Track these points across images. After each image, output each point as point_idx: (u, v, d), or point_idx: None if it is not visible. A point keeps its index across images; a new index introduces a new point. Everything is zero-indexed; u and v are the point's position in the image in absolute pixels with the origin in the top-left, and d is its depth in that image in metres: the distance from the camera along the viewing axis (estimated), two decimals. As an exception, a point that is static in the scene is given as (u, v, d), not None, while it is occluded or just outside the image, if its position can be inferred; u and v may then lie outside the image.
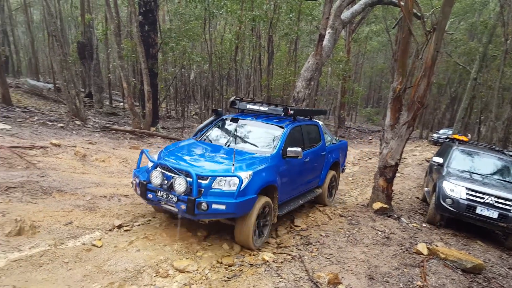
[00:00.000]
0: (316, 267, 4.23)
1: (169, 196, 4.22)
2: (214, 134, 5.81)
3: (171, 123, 17.45)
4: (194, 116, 21.87)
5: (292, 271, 4.07)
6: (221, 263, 4.25)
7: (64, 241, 4.24)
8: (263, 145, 5.33)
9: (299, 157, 5.16)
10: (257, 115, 6.14)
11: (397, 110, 6.46)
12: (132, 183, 4.76)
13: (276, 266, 4.15)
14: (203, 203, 4.03)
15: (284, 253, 4.58)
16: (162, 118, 17.36)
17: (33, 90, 17.59)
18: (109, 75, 22.31)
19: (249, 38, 17.70)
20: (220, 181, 4.22)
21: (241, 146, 5.28)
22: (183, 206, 4.08)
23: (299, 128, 5.97)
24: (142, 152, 4.95)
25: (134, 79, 17.27)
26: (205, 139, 5.76)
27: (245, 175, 4.32)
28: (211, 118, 6.19)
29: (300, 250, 4.71)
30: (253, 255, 4.49)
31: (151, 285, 3.62)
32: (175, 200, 4.17)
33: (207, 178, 4.22)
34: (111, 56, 21.80)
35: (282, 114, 5.61)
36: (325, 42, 9.53)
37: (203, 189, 4.17)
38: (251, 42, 18.15)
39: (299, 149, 5.10)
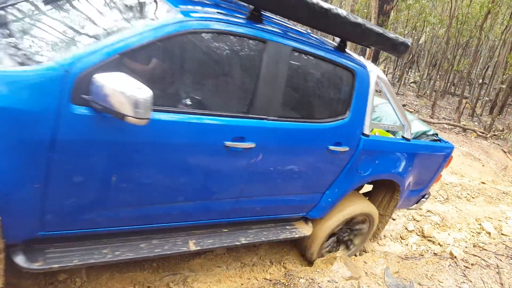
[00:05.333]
0: (516, 285, 3.58)
1: None
2: None
3: (385, 86, 16.70)
4: (411, 84, 20.30)
5: (483, 278, 3.58)
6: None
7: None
8: None
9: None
10: None
11: None
12: None
13: (464, 266, 3.73)
14: None
15: (478, 256, 4.04)
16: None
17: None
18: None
19: (509, 2, 14.53)
20: None
21: None
22: None
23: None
24: None
25: None
26: None
27: None
28: None
29: (501, 260, 4.04)
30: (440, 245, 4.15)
31: None
32: None
33: None
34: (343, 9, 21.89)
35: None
36: None
37: None
38: (510, 7, 14.91)
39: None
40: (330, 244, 3.36)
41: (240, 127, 2.16)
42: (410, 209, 4.39)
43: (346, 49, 2.66)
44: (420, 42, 18.68)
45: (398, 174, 3.23)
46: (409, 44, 2.70)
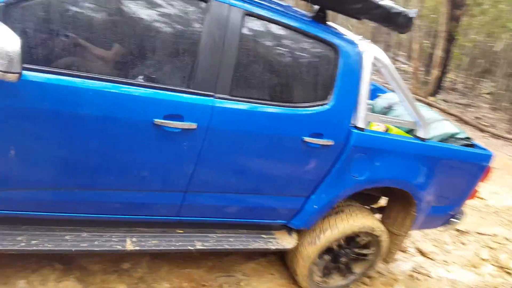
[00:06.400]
0: None
1: None
2: None
3: (454, 97, 15.26)
4: (485, 95, 18.27)
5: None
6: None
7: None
8: None
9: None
10: None
11: None
12: None
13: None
14: None
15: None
16: (445, 89, 15.44)
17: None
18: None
19: None
20: None
21: None
22: None
23: None
24: None
25: (427, 42, 15.85)
26: None
27: None
28: None
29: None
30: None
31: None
32: None
33: None
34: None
35: None
36: None
37: None
38: None
39: None
40: (323, 267, 2.78)
41: (175, 102, 1.79)
42: (442, 230, 3.65)
43: (326, 21, 2.18)
44: (497, 49, 16.79)
45: (410, 182, 2.59)
46: (411, 15, 2.14)
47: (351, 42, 2.23)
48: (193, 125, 1.84)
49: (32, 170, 1.72)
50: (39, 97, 1.54)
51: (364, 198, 2.99)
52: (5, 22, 1.40)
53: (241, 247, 2.35)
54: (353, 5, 2.01)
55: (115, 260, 2.46)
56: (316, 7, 2.20)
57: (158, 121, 1.76)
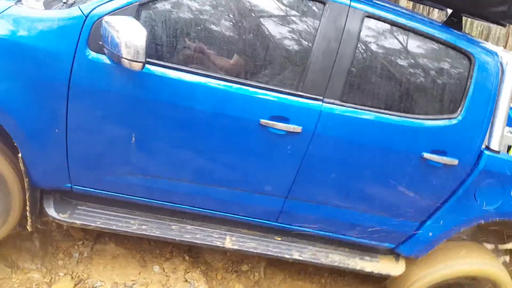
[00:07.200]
0: None
1: None
2: None
3: None
4: None
5: None
6: None
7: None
8: None
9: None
10: None
11: None
12: None
13: None
14: None
15: None
16: None
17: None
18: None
19: None
20: None
21: None
22: None
23: None
24: None
25: None
26: None
27: None
28: None
29: None
30: None
31: None
32: None
33: None
34: None
35: None
36: None
37: None
38: None
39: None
40: None
41: (282, 104, 1.75)
42: None
43: (460, 26, 1.93)
44: None
45: None
46: None
47: (490, 52, 1.96)
48: (298, 128, 1.77)
49: (147, 158, 1.82)
50: (157, 89, 1.66)
51: (490, 235, 2.54)
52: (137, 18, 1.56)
53: (339, 264, 2.20)
54: (496, 7, 1.74)
55: (237, 261, 2.54)
56: (449, 10, 1.98)
57: (264, 121, 1.74)
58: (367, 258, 2.29)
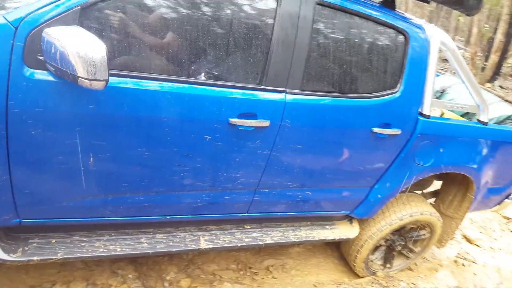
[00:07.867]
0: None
1: None
2: None
3: (512, 84, 14.86)
4: None
5: None
6: None
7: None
8: None
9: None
10: None
11: None
12: None
13: None
14: None
15: None
16: (503, 75, 14.89)
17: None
18: (460, 16, 20.29)
19: None
20: None
21: None
22: None
23: None
24: None
25: (487, 26, 15.14)
26: None
27: None
28: None
29: None
30: None
31: None
32: None
33: None
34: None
35: None
36: None
37: None
38: None
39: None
40: (380, 255, 2.81)
41: (248, 100, 1.72)
42: (493, 211, 3.58)
43: (394, 5, 2.07)
44: None
45: (471, 167, 2.53)
46: None
47: (419, 27, 2.11)
48: (266, 123, 1.77)
49: (110, 177, 1.66)
50: (116, 102, 1.48)
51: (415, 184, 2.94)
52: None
53: (308, 239, 2.34)
54: None
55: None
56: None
57: (233, 120, 1.70)
58: (327, 227, 2.48)
